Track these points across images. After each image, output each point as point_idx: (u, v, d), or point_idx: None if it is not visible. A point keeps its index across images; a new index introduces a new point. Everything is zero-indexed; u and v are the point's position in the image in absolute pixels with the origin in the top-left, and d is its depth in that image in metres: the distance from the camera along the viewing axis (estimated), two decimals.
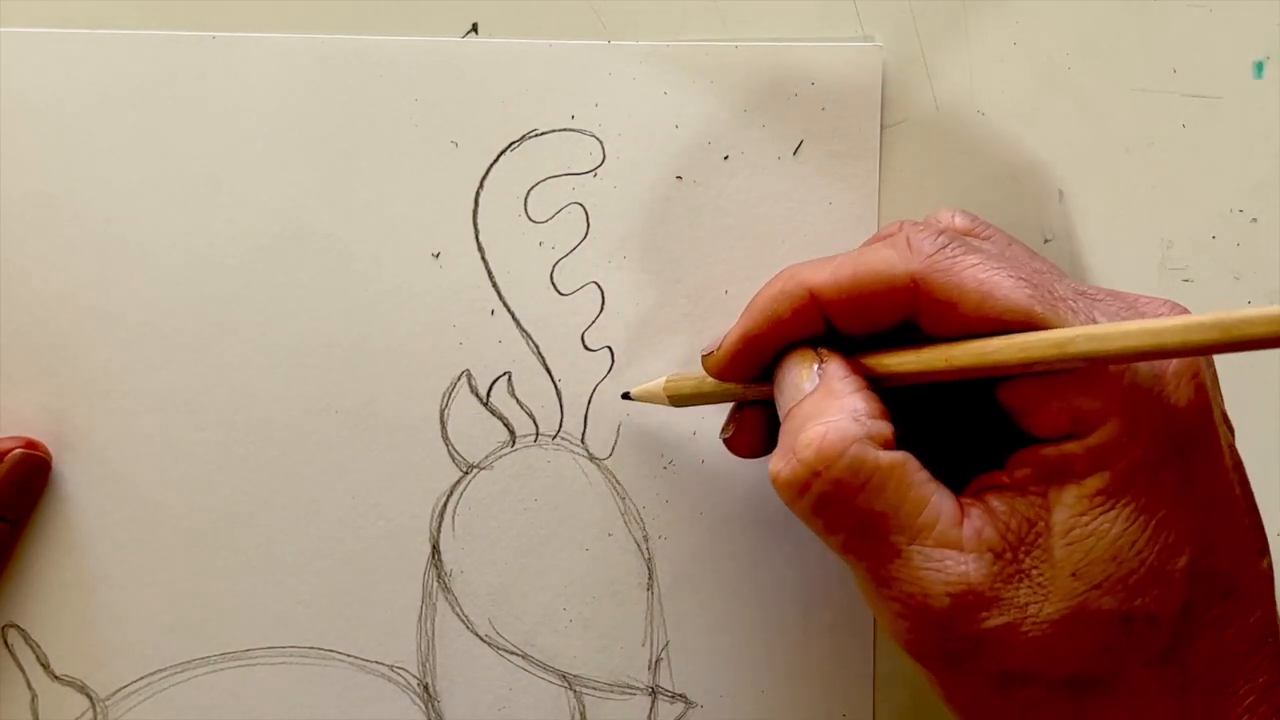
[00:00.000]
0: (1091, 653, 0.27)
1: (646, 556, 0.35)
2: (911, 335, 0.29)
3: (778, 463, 0.28)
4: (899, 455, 0.28)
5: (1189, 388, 0.27)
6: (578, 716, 0.35)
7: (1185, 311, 0.29)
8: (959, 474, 0.29)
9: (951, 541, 0.27)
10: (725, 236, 0.35)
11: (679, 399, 0.33)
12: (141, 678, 0.35)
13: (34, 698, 0.34)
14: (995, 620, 0.27)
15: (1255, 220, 0.36)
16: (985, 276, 0.27)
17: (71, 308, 0.34)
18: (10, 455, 0.33)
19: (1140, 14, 0.36)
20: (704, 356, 0.32)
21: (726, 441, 0.33)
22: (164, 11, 0.35)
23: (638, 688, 0.35)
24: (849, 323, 0.29)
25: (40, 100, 0.34)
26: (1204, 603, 0.27)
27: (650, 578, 0.35)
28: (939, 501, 0.27)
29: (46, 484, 0.34)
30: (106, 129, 0.34)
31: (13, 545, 0.34)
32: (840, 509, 0.27)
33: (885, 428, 0.28)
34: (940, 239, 0.28)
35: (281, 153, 0.35)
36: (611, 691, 0.35)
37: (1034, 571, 0.27)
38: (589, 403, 0.35)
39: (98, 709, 0.34)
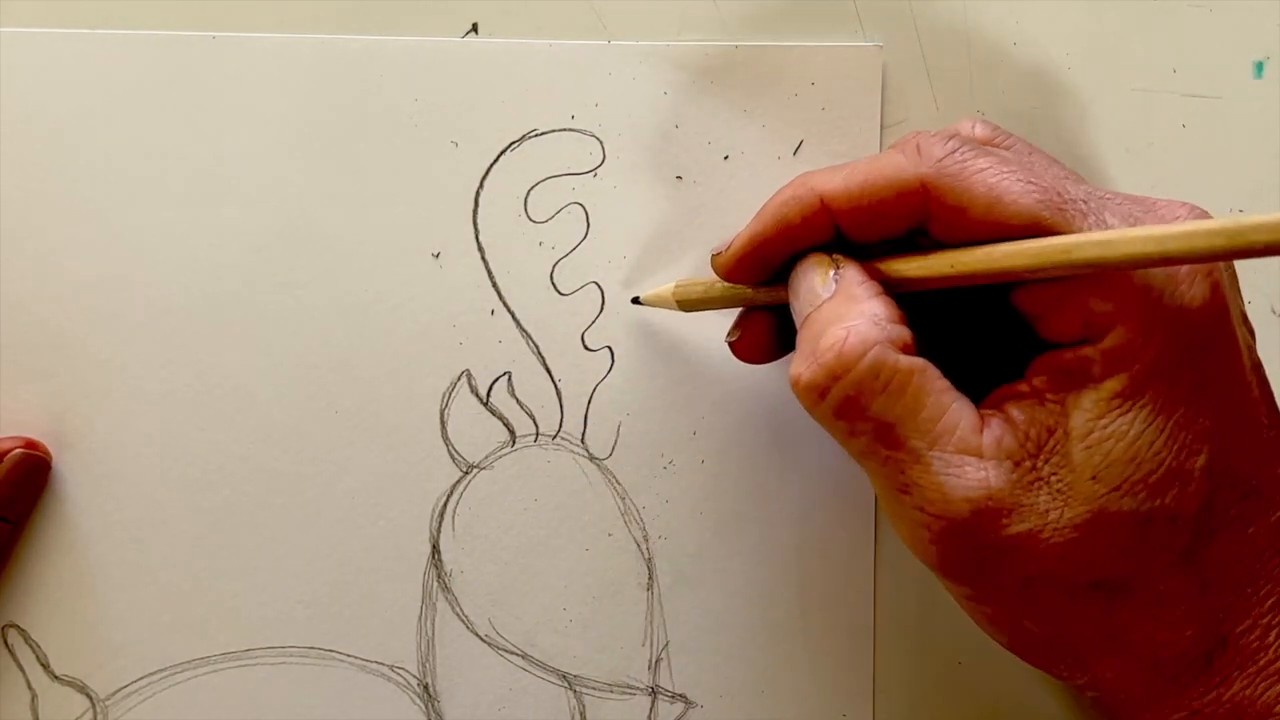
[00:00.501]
0: (1113, 556, 0.27)
1: (646, 556, 0.35)
2: (923, 244, 0.29)
3: (799, 366, 0.28)
4: (919, 361, 0.28)
5: (1203, 287, 0.27)
6: (578, 716, 0.35)
7: (1204, 215, 0.29)
8: (981, 387, 0.29)
9: (971, 448, 0.27)
10: (725, 236, 0.35)
11: (688, 303, 0.33)
12: (141, 678, 0.35)
13: (34, 698, 0.34)
14: (1016, 527, 0.27)
15: None
16: (994, 181, 0.27)
17: (71, 308, 0.34)
18: (10, 455, 0.33)
19: (1140, 14, 0.36)
20: (713, 256, 0.32)
21: (732, 345, 0.33)
22: (164, 11, 0.35)
23: (638, 688, 0.35)
24: (859, 230, 0.29)
25: (40, 100, 0.34)
26: (1224, 502, 0.27)
27: (650, 578, 0.35)
28: (959, 408, 0.28)
29: (46, 484, 0.34)
30: (106, 129, 0.34)
31: (13, 545, 0.34)
32: (861, 412, 0.27)
33: (904, 332, 0.28)
34: (951, 144, 0.28)
35: (281, 153, 0.35)
36: (611, 691, 0.35)
37: (1053, 478, 0.27)
38: (589, 403, 0.35)
39: (98, 709, 0.34)
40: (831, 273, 0.29)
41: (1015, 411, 0.28)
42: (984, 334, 0.31)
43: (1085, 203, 0.28)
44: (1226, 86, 0.36)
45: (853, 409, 0.27)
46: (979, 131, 0.32)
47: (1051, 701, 0.36)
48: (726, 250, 0.31)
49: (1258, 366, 0.29)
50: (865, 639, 0.36)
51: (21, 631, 0.34)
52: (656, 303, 0.34)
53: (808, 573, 0.36)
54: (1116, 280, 0.27)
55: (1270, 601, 0.28)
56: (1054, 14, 0.36)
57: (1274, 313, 0.37)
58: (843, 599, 0.36)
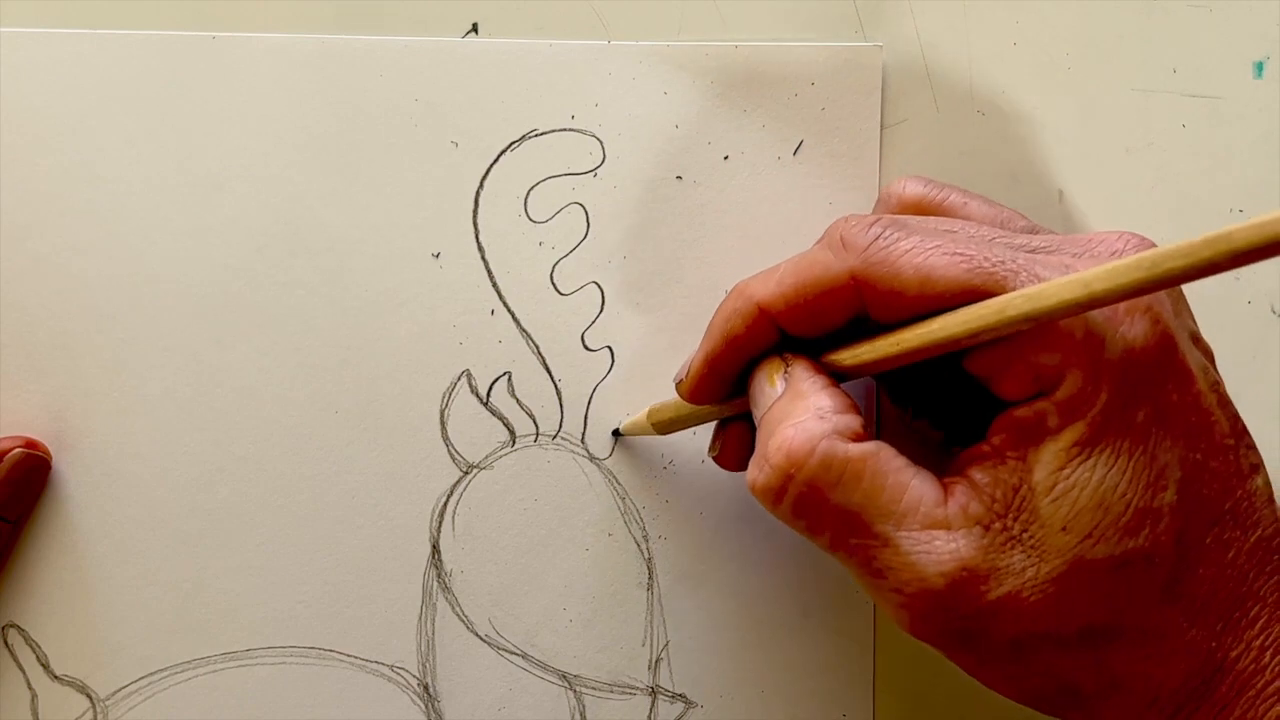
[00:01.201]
0: (1096, 602, 0.27)
1: (646, 556, 0.35)
2: (870, 327, 0.29)
3: (753, 471, 0.28)
4: (870, 445, 0.28)
5: (1144, 323, 0.27)
6: (578, 716, 0.35)
7: (1143, 240, 0.29)
8: (954, 454, 0.29)
9: (938, 522, 0.27)
10: (725, 236, 0.35)
11: (662, 425, 0.33)
12: (141, 678, 0.35)
13: (34, 698, 0.34)
14: (996, 591, 0.27)
15: None
16: (920, 261, 0.27)
17: (71, 308, 0.34)
18: (10, 455, 0.33)
19: (1140, 14, 0.36)
20: (676, 384, 0.32)
21: (715, 459, 0.33)
22: (164, 11, 0.35)
23: (638, 688, 0.35)
24: (801, 329, 0.29)
25: (40, 100, 0.34)
26: (1198, 533, 0.27)
27: (650, 578, 0.35)
28: (919, 485, 0.27)
29: (46, 484, 0.34)
30: (106, 129, 0.34)
31: (13, 545, 0.34)
32: (820, 508, 0.27)
33: (853, 420, 0.28)
34: (874, 229, 0.28)
35: (281, 153, 0.35)
36: (611, 691, 0.35)
37: (1025, 535, 0.27)
38: (589, 403, 0.35)
39: (98, 709, 0.34)
40: (781, 372, 0.29)
41: (978, 474, 0.28)
42: (949, 400, 0.31)
43: (1014, 261, 0.27)
44: (1226, 86, 0.36)
45: (810, 505, 0.28)
46: (909, 191, 0.32)
47: None
48: (686, 375, 0.31)
49: (1216, 385, 0.29)
50: (865, 639, 0.36)
51: (21, 631, 0.34)
52: (635, 431, 0.35)
53: (808, 573, 0.36)
54: (1058, 332, 0.27)
55: (1260, 622, 0.28)
56: (1054, 14, 0.36)
57: (1274, 312, 0.37)
58: (843, 599, 0.36)
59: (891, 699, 0.36)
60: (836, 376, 0.29)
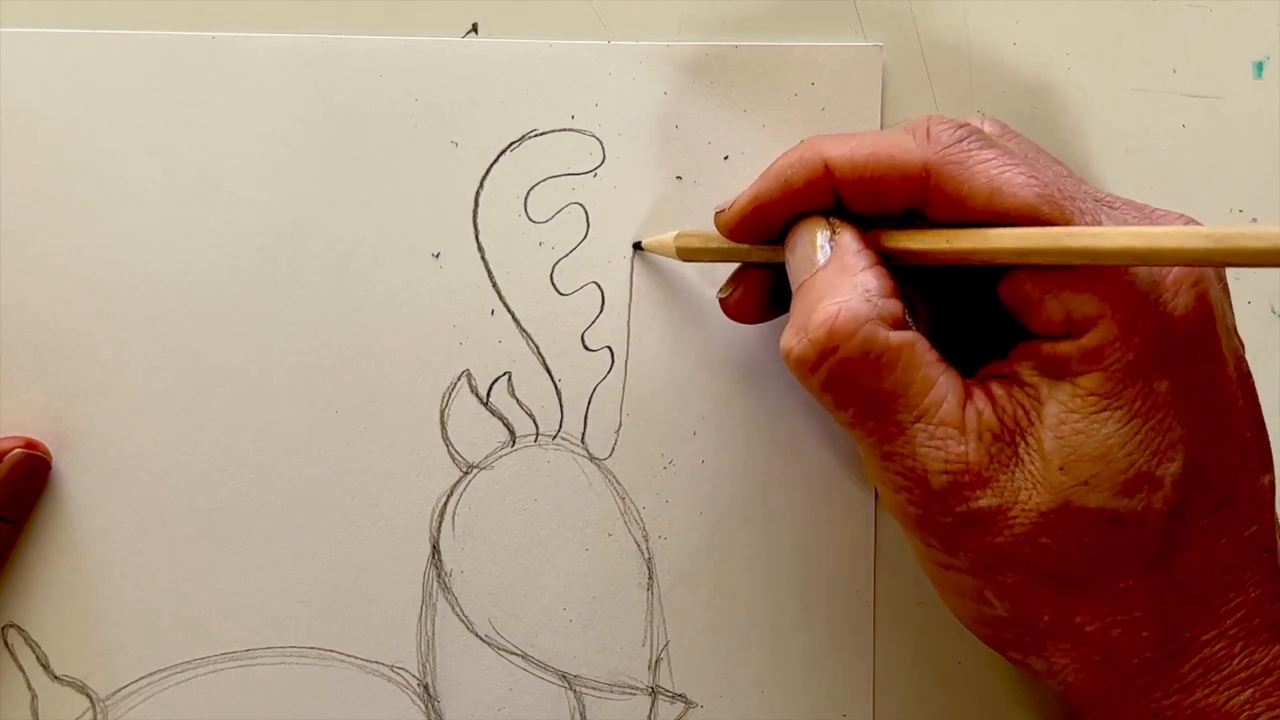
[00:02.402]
0: (1077, 549, 0.27)
1: (646, 556, 0.35)
2: (917, 224, 0.29)
3: (790, 339, 0.29)
4: (909, 335, 0.28)
5: (1189, 296, 0.27)
6: (578, 716, 0.35)
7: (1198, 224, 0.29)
8: (970, 360, 0.29)
9: (953, 421, 0.28)
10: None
11: (686, 252, 0.33)
12: (141, 678, 0.35)
13: (34, 698, 0.34)
14: (986, 501, 0.28)
15: (1255, 220, 0.36)
16: (996, 173, 0.28)
17: (71, 308, 0.34)
18: (10, 455, 0.33)
19: (1140, 14, 0.36)
20: (716, 214, 0.32)
21: (723, 302, 0.33)
22: (164, 11, 0.35)
23: (638, 688, 0.35)
24: (859, 201, 0.29)
25: (40, 100, 0.34)
26: (1196, 511, 0.28)
27: (650, 578, 0.35)
28: (946, 382, 0.28)
29: (46, 484, 0.34)
30: (106, 129, 0.34)
31: (13, 545, 0.34)
32: (849, 386, 0.28)
33: (895, 306, 0.28)
34: (960, 132, 0.29)
35: (281, 153, 0.35)
36: (611, 691, 0.35)
37: (1027, 460, 0.28)
38: (589, 403, 0.35)
39: (98, 709, 0.34)
40: (828, 237, 0.29)
41: (998, 389, 0.28)
42: (976, 315, 0.31)
43: (1083, 202, 0.28)
44: (1226, 86, 0.36)
45: (841, 384, 0.28)
46: (988, 129, 0.32)
47: (1051, 702, 0.36)
48: (729, 208, 0.31)
49: (1245, 378, 0.29)
50: (865, 639, 0.36)
51: (21, 631, 0.34)
52: (657, 249, 0.34)
53: (808, 573, 0.36)
54: (1102, 279, 0.27)
55: (1240, 614, 0.28)
56: (1054, 14, 0.36)
57: (1274, 313, 0.37)
58: (843, 599, 0.36)
59: (891, 699, 0.36)
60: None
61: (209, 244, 0.35)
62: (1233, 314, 0.29)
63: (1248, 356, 0.29)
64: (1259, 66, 0.36)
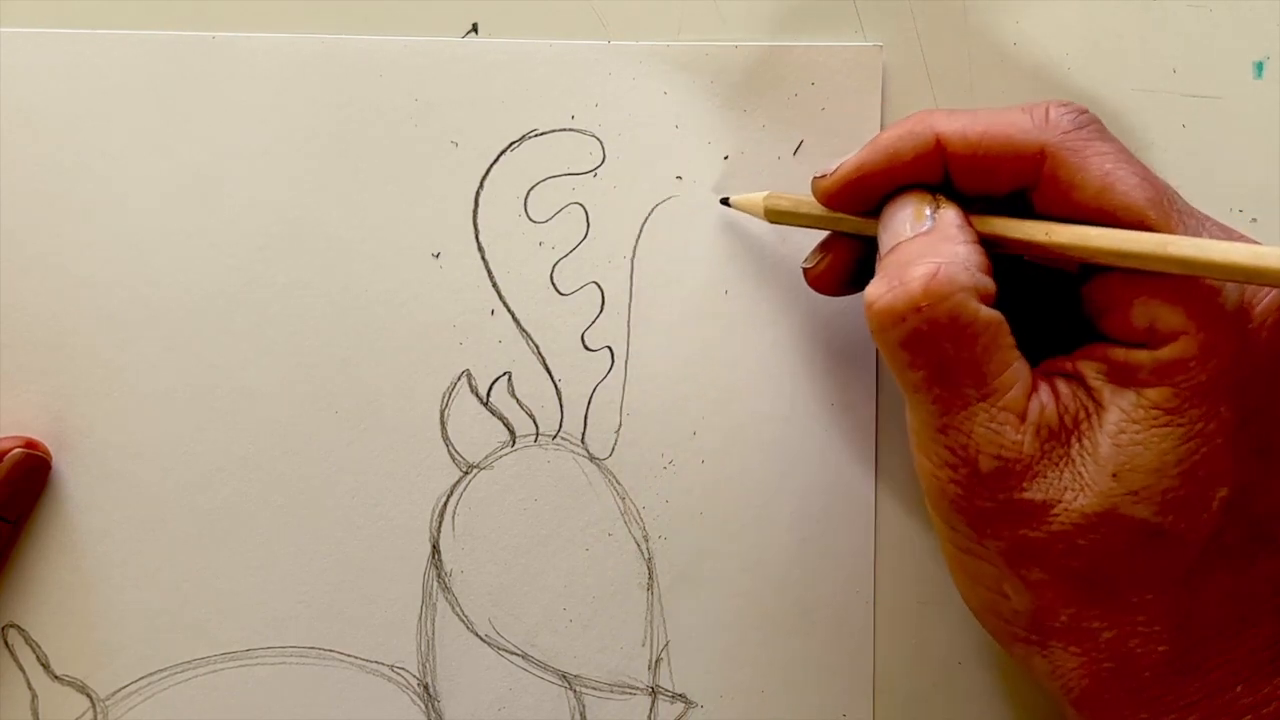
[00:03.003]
0: (1112, 556, 0.27)
1: (646, 556, 0.35)
2: (1018, 212, 0.29)
3: (879, 287, 0.28)
4: (996, 314, 0.28)
5: (1274, 327, 0.27)
6: (578, 716, 0.35)
7: None
8: (1032, 354, 0.29)
9: (1017, 408, 0.27)
10: (725, 236, 0.35)
11: (775, 214, 0.33)
12: (141, 678, 0.35)
13: (34, 698, 0.34)
14: (1031, 493, 0.27)
15: (1255, 220, 0.36)
16: (1112, 168, 0.27)
17: (71, 308, 0.34)
18: (10, 455, 0.33)
19: (1140, 14, 0.36)
20: (815, 179, 0.31)
21: (808, 271, 0.33)
22: (164, 11, 0.35)
23: (638, 688, 0.35)
24: (967, 179, 0.29)
25: (40, 100, 0.34)
26: (1235, 539, 0.28)
27: (650, 578, 0.35)
28: (1019, 369, 0.28)
29: (46, 484, 0.34)
30: (106, 129, 0.34)
31: (13, 545, 0.34)
32: (929, 347, 0.27)
33: (989, 283, 0.28)
34: (1081, 118, 0.28)
35: (281, 153, 0.35)
36: (611, 691, 0.35)
37: (1079, 461, 0.27)
38: (589, 403, 0.35)
39: (98, 709, 0.34)
40: (930, 209, 0.29)
41: (1063, 387, 0.28)
42: (1045, 310, 0.31)
43: (1189, 213, 0.28)
44: (1226, 86, 0.36)
45: (922, 343, 0.27)
46: None
47: (1050, 702, 0.36)
48: (831, 174, 0.31)
49: None
50: (865, 639, 0.36)
51: (21, 631, 0.34)
52: (745, 207, 0.34)
53: (808, 573, 0.36)
54: (1192, 294, 0.27)
55: (1251, 644, 0.28)
56: (1054, 14, 0.36)
57: None
58: (843, 599, 0.36)
59: (891, 699, 0.36)
60: None
61: (209, 244, 0.35)
62: None
63: None
64: (1259, 66, 0.36)
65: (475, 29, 0.35)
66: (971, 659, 0.36)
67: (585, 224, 0.35)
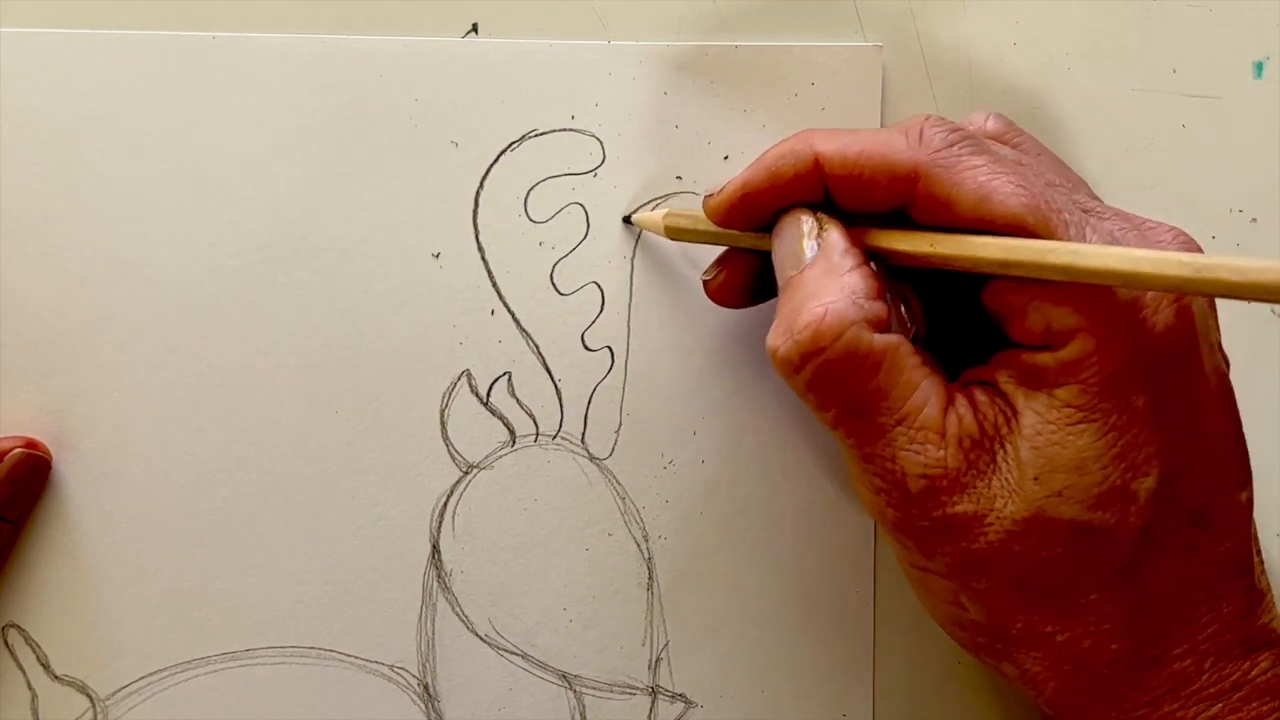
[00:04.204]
0: (1048, 559, 0.27)
1: (646, 556, 0.35)
2: (904, 224, 0.29)
3: (776, 338, 0.29)
4: (893, 339, 0.28)
5: (1168, 312, 0.27)
6: (578, 716, 0.35)
7: (1190, 241, 0.29)
8: (959, 362, 0.30)
9: (934, 426, 0.28)
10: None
11: (674, 231, 0.33)
12: (141, 678, 0.35)
13: (34, 698, 0.34)
14: (962, 506, 0.28)
15: (1255, 220, 0.36)
16: (985, 180, 0.28)
17: (71, 308, 0.34)
18: (10, 455, 0.33)
19: (1140, 14, 0.36)
20: (705, 198, 0.32)
21: (707, 285, 0.33)
22: (164, 11, 0.35)
23: (638, 688, 0.35)
24: (846, 198, 0.29)
25: (40, 100, 0.34)
26: (1169, 527, 0.28)
27: (650, 578, 0.35)
28: (928, 386, 0.28)
29: (46, 484, 0.34)
30: (106, 129, 0.34)
31: (13, 545, 0.34)
32: (832, 388, 0.28)
33: (880, 309, 0.28)
34: (953, 136, 0.29)
35: (281, 153, 0.35)
36: (611, 691, 0.35)
37: (1004, 467, 0.28)
38: (589, 403, 0.35)
39: (98, 709, 0.34)
40: (815, 233, 0.29)
41: (980, 396, 0.28)
42: (963, 319, 0.31)
43: (1070, 215, 0.28)
44: (1226, 86, 0.36)
45: (824, 385, 0.28)
46: (991, 126, 0.32)
47: None
48: (718, 194, 0.31)
49: (1227, 394, 0.29)
50: (865, 639, 0.36)
51: (21, 631, 0.34)
52: (646, 224, 0.34)
53: (808, 573, 0.36)
54: (1083, 294, 0.27)
55: (1211, 630, 0.28)
56: (1054, 14, 0.36)
57: (1275, 313, 0.37)
58: (843, 599, 0.36)
59: (891, 699, 0.36)
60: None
61: (209, 244, 0.35)
62: (1218, 329, 0.29)
63: (1248, 357, 0.29)
64: (1259, 66, 0.36)
65: (475, 29, 0.35)
66: (971, 659, 0.36)
67: (585, 224, 0.35)
